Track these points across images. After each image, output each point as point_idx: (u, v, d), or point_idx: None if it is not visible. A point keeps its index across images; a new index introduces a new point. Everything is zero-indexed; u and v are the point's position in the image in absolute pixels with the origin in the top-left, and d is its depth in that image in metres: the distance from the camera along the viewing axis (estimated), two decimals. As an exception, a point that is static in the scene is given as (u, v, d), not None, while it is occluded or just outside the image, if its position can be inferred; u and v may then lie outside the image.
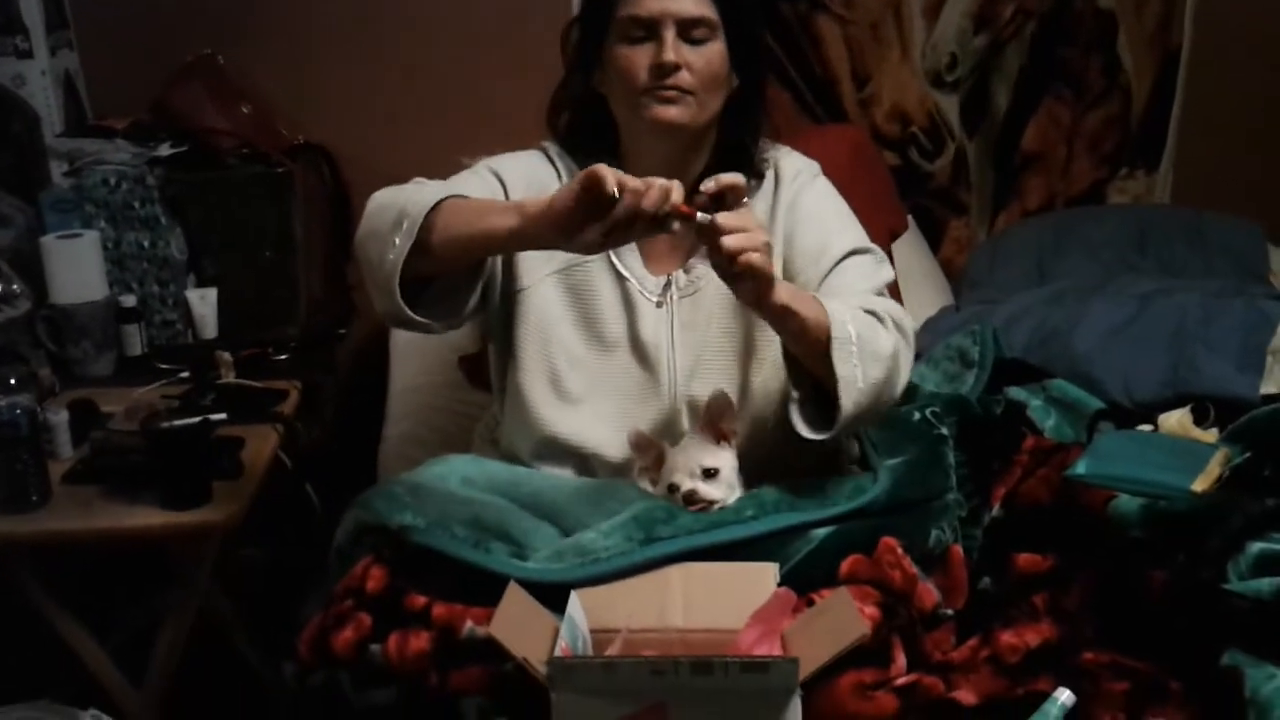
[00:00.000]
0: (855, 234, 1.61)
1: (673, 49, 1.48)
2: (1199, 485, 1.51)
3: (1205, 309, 1.93)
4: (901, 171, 2.69)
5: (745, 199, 1.38)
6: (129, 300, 2.22)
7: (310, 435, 2.15)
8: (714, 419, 1.46)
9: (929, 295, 2.44)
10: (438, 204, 1.39)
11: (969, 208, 2.75)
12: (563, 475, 1.54)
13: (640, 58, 1.50)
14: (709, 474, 1.44)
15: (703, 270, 1.57)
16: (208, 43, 2.40)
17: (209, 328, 2.27)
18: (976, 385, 1.83)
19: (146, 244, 2.26)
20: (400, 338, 2.28)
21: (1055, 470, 1.61)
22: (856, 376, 1.37)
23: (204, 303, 2.26)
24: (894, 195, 2.56)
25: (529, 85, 2.27)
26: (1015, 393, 1.86)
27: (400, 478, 1.52)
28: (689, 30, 1.50)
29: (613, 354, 1.56)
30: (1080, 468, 1.56)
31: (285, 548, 2.22)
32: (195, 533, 1.69)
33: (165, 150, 2.29)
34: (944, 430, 1.59)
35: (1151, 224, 2.45)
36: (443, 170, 2.34)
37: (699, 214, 1.32)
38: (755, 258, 1.30)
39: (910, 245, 2.52)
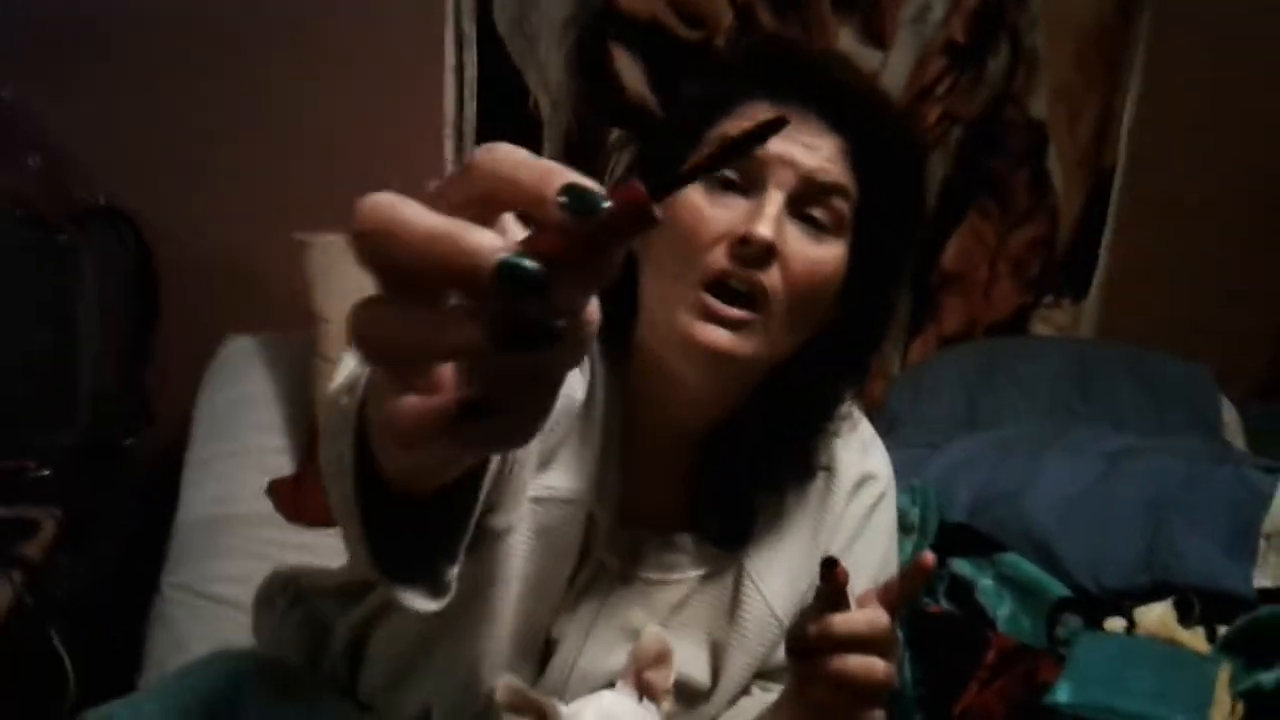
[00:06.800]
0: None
1: (774, 222, 0.92)
2: (1219, 725, 1.19)
3: (1184, 477, 1.64)
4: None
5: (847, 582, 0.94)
6: None
7: (75, 574, 1.70)
8: (641, 666, 1.05)
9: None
10: None
11: (881, 329, 2.47)
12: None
13: (719, 216, 0.93)
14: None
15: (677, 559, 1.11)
16: (-6, 76, 1.96)
17: (-45, 431, 1.80)
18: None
19: (-122, 321, 1.79)
20: (199, 451, 1.85)
21: (1015, 682, 1.32)
22: None
23: (-49, 399, 1.79)
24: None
25: (385, 150, 1.97)
26: (960, 566, 1.55)
27: (156, 686, 1.08)
28: (807, 203, 0.94)
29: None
30: (1061, 694, 1.25)
31: (27, 711, 1.75)
32: None
33: (-85, 206, 1.84)
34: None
35: (1092, 363, 2.20)
36: (278, 249, 1.98)
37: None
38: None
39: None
